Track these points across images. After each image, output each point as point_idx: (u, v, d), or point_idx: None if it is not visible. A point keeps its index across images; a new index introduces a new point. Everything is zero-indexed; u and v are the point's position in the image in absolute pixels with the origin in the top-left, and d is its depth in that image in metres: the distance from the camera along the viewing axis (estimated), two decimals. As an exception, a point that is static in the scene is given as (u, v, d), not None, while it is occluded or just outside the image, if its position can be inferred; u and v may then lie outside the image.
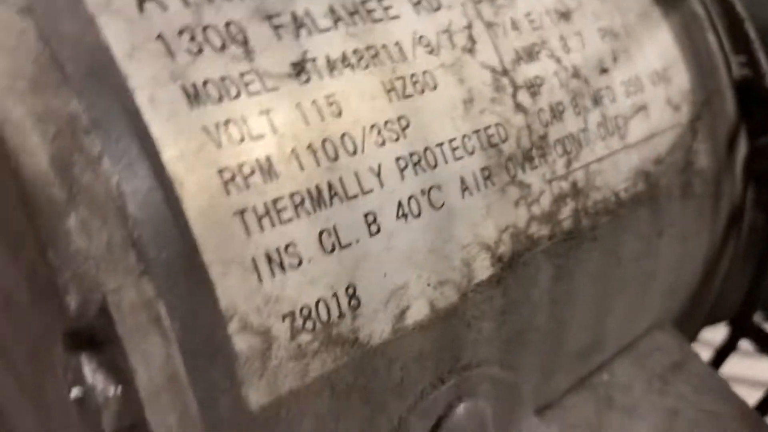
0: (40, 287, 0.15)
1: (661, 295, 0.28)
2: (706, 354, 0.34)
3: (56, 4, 0.16)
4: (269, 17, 0.18)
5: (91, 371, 0.14)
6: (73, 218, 0.14)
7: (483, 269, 0.20)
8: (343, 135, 0.18)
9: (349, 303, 0.17)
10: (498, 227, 0.21)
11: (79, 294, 0.14)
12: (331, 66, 0.19)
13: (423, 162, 0.19)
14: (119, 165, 0.15)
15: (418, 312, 0.19)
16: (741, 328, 0.33)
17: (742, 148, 0.30)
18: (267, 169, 0.17)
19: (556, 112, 0.23)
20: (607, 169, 0.24)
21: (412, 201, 0.19)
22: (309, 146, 0.17)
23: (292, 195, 0.17)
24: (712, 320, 0.34)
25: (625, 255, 0.25)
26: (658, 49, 0.27)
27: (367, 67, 0.19)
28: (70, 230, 0.14)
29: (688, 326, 0.31)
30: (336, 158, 0.18)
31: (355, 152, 0.18)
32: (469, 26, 0.22)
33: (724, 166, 0.29)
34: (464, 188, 0.20)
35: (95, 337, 0.15)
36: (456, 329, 0.20)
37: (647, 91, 0.26)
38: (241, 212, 0.16)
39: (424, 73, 0.20)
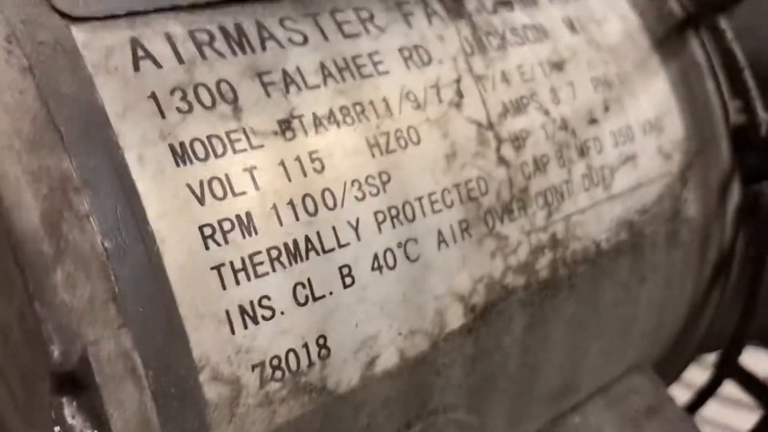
0: (29, 331, 0.16)
1: (641, 338, 0.28)
2: (687, 394, 0.34)
3: (57, 64, 0.17)
4: (260, 75, 0.19)
5: (71, 413, 0.16)
6: (59, 273, 0.15)
7: (455, 319, 0.21)
8: (324, 190, 0.19)
9: (319, 353, 0.18)
10: (473, 278, 0.22)
11: (61, 344, 0.15)
12: (317, 123, 0.19)
13: (401, 215, 0.20)
14: (105, 223, 0.16)
15: (388, 360, 0.20)
16: (726, 369, 0.33)
17: (734, 195, 0.31)
18: (247, 225, 0.18)
19: (540, 165, 0.23)
20: (589, 220, 0.25)
21: (388, 253, 0.20)
22: (289, 202, 0.18)
23: (269, 249, 0.18)
24: (702, 352, 0.35)
25: (603, 302, 0.26)
26: (654, 98, 0.28)
27: (352, 123, 0.20)
28: (56, 284, 0.15)
29: (672, 366, 0.32)
30: (315, 213, 0.19)
31: (334, 207, 0.19)
32: (458, 80, 0.22)
33: (714, 214, 0.29)
34: (441, 240, 0.21)
35: (77, 381, 0.16)
36: (425, 376, 0.21)
37: (637, 140, 0.27)
38: (219, 267, 0.17)
39: (409, 128, 0.21)
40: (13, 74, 0.16)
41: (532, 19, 0.25)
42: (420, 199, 0.21)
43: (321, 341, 0.19)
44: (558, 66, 0.25)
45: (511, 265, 0.22)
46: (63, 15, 0.17)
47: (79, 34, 0.17)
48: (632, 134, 0.26)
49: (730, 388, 0.34)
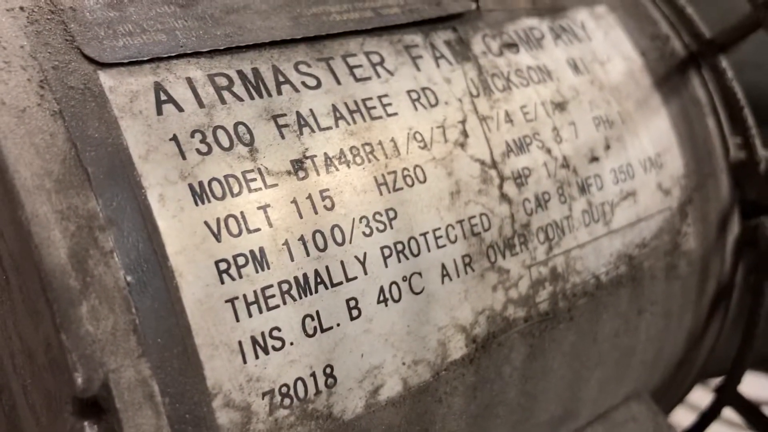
0: (53, 358, 0.17)
1: (640, 368, 0.29)
2: (690, 417, 0.35)
3: (85, 108, 0.18)
4: (275, 117, 0.20)
5: (92, 436, 0.17)
6: (84, 306, 0.16)
7: (457, 349, 0.22)
8: (333, 227, 0.20)
9: (326, 382, 0.20)
10: (475, 310, 0.22)
11: (85, 372, 0.16)
12: (328, 162, 0.21)
13: (407, 250, 0.21)
14: (128, 259, 0.17)
15: (392, 389, 0.21)
16: (725, 397, 0.34)
17: (734, 228, 0.31)
18: (260, 260, 0.19)
19: (542, 201, 0.24)
20: (589, 255, 0.26)
21: (393, 287, 0.21)
22: (300, 238, 0.20)
23: (280, 283, 0.19)
24: (703, 378, 0.36)
25: (602, 333, 0.27)
26: (654, 136, 0.29)
27: (362, 162, 0.21)
28: (82, 317, 0.16)
29: (672, 394, 0.33)
30: (325, 248, 0.20)
31: (343, 242, 0.20)
32: (464, 121, 0.24)
33: (713, 247, 0.30)
34: (444, 274, 0.22)
35: (98, 406, 0.17)
36: (427, 404, 0.22)
37: (638, 177, 0.28)
38: (233, 300, 0.18)
39: (415, 167, 0.22)
40: (44, 118, 0.18)
41: (536, 60, 0.26)
42: (425, 234, 0.22)
43: (328, 370, 0.20)
44: (561, 106, 0.26)
45: (512, 297, 0.23)
46: (91, 61, 0.19)
47: (106, 79, 0.19)
48: (632, 171, 0.27)
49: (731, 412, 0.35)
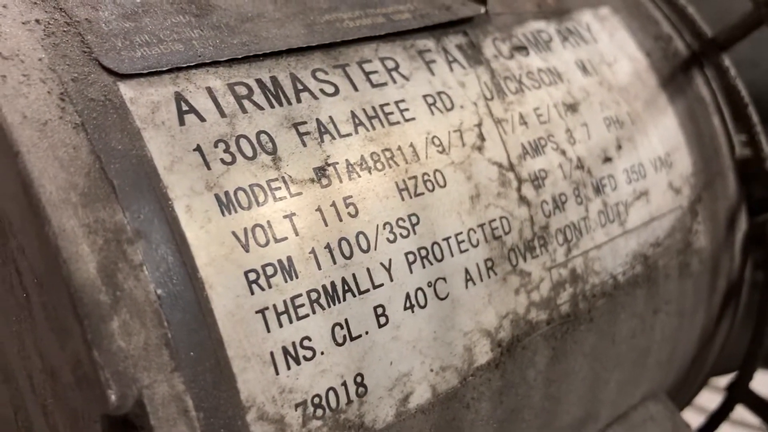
0: (83, 375, 0.17)
1: (656, 367, 0.29)
2: (699, 418, 0.35)
3: (107, 120, 0.18)
4: (296, 125, 0.20)
5: (125, 454, 0.16)
6: (116, 321, 0.16)
7: (483, 354, 0.22)
8: (358, 234, 0.20)
9: (357, 391, 0.19)
10: (499, 314, 0.22)
11: (118, 388, 0.16)
12: (350, 170, 0.20)
13: (430, 256, 0.21)
14: (157, 272, 0.17)
15: (421, 396, 0.21)
16: (737, 394, 0.34)
17: (742, 226, 0.32)
18: (288, 269, 0.19)
19: (559, 203, 0.24)
20: (606, 255, 0.26)
21: (419, 293, 0.21)
22: (326, 246, 0.19)
23: (309, 292, 0.19)
24: (713, 375, 0.36)
25: (620, 333, 0.27)
26: (663, 135, 0.29)
27: (382, 168, 0.21)
28: (113, 332, 0.16)
29: (684, 392, 0.33)
30: (351, 255, 0.20)
31: (368, 249, 0.20)
32: (480, 124, 0.23)
33: (722, 244, 0.30)
34: (468, 279, 0.22)
35: (132, 423, 0.16)
36: (455, 411, 0.22)
37: (649, 177, 0.28)
38: (263, 310, 0.18)
39: (435, 171, 0.22)
40: (67, 131, 0.17)
41: (546, 63, 0.26)
42: (447, 239, 0.22)
43: (358, 379, 0.19)
44: (572, 107, 0.26)
45: (534, 300, 0.23)
46: (111, 72, 0.18)
47: (126, 90, 0.18)
48: (644, 171, 0.27)
49: (742, 411, 0.35)
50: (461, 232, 0.22)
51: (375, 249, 0.20)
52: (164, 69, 0.19)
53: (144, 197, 0.17)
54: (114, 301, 0.16)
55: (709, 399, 0.40)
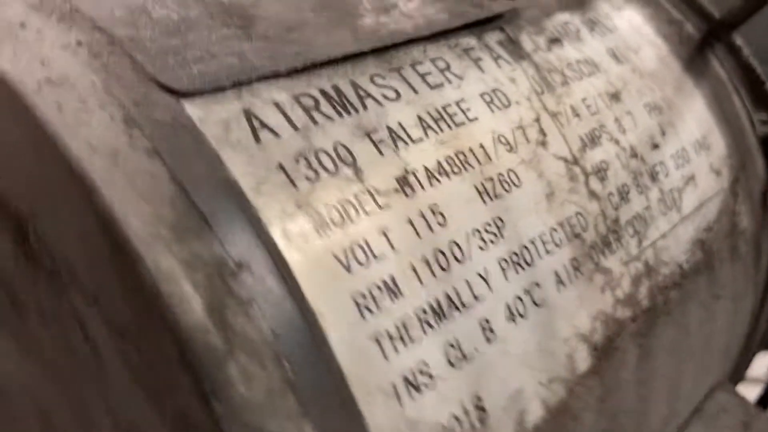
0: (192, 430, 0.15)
1: (719, 355, 0.28)
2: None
3: (180, 143, 0.16)
4: (368, 134, 0.18)
5: None
6: (233, 366, 0.14)
7: (583, 361, 0.21)
8: (450, 243, 0.18)
9: (478, 416, 0.17)
10: (590, 316, 0.21)
11: (245, 443, 0.14)
12: (429, 176, 0.19)
13: (521, 260, 0.20)
14: (267, 306, 0.15)
15: (535, 414, 0.19)
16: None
17: (771, 204, 0.31)
18: (392, 288, 0.17)
19: (623, 194, 0.23)
20: (671, 244, 0.25)
21: (518, 301, 0.19)
22: (424, 260, 0.18)
23: (416, 311, 0.17)
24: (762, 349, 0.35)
25: (692, 323, 0.26)
26: (696, 118, 0.28)
27: (459, 172, 0.19)
28: (232, 379, 0.14)
29: (737, 375, 0.32)
30: (447, 268, 0.18)
31: (462, 259, 0.18)
32: (538, 119, 0.22)
33: (761, 224, 0.30)
34: (558, 281, 0.20)
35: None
36: (566, 425, 0.20)
37: (693, 161, 0.27)
38: (377, 337, 0.16)
39: (508, 171, 0.21)
40: (140, 159, 0.15)
41: (581, 53, 0.26)
42: (533, 241, 0.20)
43: (477, 402, 0.18)
44: (615, 96, 0.25)
45: (619, 298, 0.22)
46: (172, 91, 0.16)
47: (193, 109, 0.16)
48: (688, 155, 0.27)
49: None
50: (544, 233, 0.20)
51: (470, 258, 0.18)
52: (227, 84, 0.17)
53: (238, 224, 0.15)
54: (228, 344, 0.14)
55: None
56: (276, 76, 0.18)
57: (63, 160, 0.15)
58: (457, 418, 0.17)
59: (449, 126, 0.20)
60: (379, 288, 0.17)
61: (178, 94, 0.16)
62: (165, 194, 0.15)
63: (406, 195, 0.18)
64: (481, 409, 0.18)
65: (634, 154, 0.24)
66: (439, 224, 0.18)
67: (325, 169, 0.17)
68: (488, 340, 0.18)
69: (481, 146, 0.20)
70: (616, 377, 0.22)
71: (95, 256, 0.15)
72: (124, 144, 0.15)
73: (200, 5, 0.20)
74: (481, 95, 0.21)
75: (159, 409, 0.15)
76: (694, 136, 0.27)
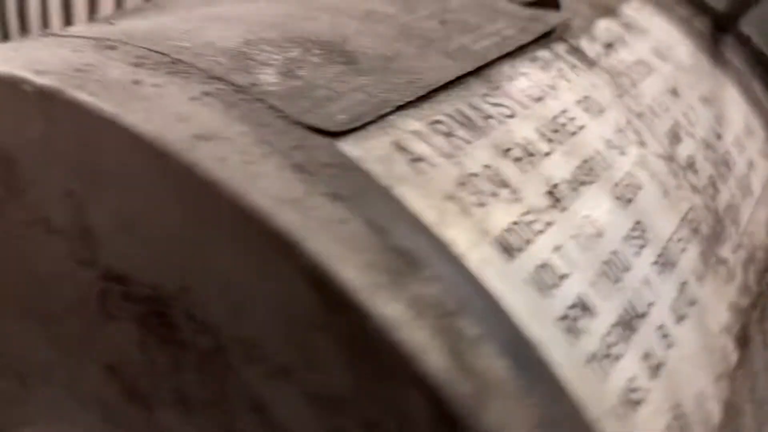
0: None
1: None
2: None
3: (354, 184, 0.14)
4: (505, 152, 0.18)
5: None
6: (490, 413, 0.13)
7: (732, 354, 0.20)
8: (612, 254, 0.18)
9: (682, 423, 0.17)
10: (726, 309, 0.21)
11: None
12: (571, 188, 0.18)
13: (667, 263, 0.19)
14: (496, 343, 0.14)
15: (715, 414, 0.18)
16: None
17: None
18: (586, 307, 0.16)
19: (714, 185, 0.23)
20: (754, 228, 0.25)
21: (677, 303, 0.19)
22: (599, 273, 0.17)
23: (611, 328, 0.16)
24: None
25: (785, 305, 0.26)
26: (736, 107, 0.29)
27: (592, 182, 0.19)
28: (488, 427, 0.13)
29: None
30: (618, 279, 0.17)
31: (626, 268, 0.18)
32: (629, 121, 0.22)
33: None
34: (698, 278, 0.20)
35: None
36: (737, 421, 0.19)
37: (747, 145, 0.27)
38: (591, 360, 0.15)
39: (627, 174, 0.20)
40: (325, 205, 0.14)
41: (633, 55, 0.26)
42: (669, 240, 0.20)
43: (678, 410, 0.17)
44: (674, 92, 0.25)
45: (738, 287, 0.22)
46: (323, 133, 0.15)
47: (350, 148, 0.15)
48: (742, 141, 0.27)
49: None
50: (675, 231, 0.20)
51: (631, 266, 0.18)
52: (371, 119, 0.16)
53: (441, 260, 0.14)
54: (477, 390, 0.13)
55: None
56: (405, 106, 0.17)
57: (246, 217, 0.13)
58: (669, 429, 0.16)
59: (566, 137, 0.20)
60: (575, 308, 0.16)
61: (329, 134, 0.15)
62: (363, 238, 0.14)
63: (560, 210, 0.17)
64: (682, 418, 0.17)
65: (708, 145, 0.25)
66: (597, 236, 0.18)
67: (486, 193, 0.16)
68: (669, 345, 0.17)
69: (599, 152, 0.20)
70: (754, 368, 0.21)
71: (298, 319, 0.13)
72: (303, 192, 0.14)
73: (295, 45, 0.18)
74: (578, 103, 0.21)
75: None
76: (741, 123, 0.28)
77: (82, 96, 0.15)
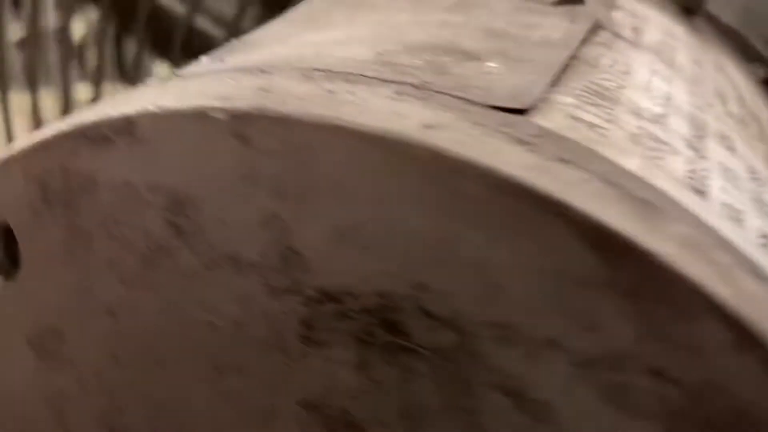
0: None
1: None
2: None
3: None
4: (639, 116, 0.19)
5: None
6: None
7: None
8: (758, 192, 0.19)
9: None
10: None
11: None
12: (698, 140, 0.19)
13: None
14: (744, 269, 0.14)
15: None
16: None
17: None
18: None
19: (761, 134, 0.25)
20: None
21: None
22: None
23: None
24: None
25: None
26: (751, 89, 0.31)
27: (703, 135, 0.20)
28: None
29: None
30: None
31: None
32: (691, 87, 0.24)
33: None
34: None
35: None
36: None
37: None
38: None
39: (718, 129, 0.22)
40: (562, 168, 0.14)
41: (655, 37, 0.28)
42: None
43: None
44: (698, 63, 0.28)
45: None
46: (513, 111, 0.16)
47: (543, 123, 0.16)
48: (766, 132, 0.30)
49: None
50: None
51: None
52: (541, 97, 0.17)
53: (673, 205, 0.15)
54: (760, 310, 0.13)
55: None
56: (553, 84, 0.18)
57: (501, 190, 0.13)
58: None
59: (666, 101, 0.21)
60: (764, 237, 0.17)
61: (519, 112, 0.16)
62: (610, 194, 0.14)
63: (701, 158, 0.19)
64: None
65: (742, 104, 0.27)
66: (735, 178, 0.19)
67: (653, 149, 0.17)
68: None
69: (691, 113, 0.21)
70: None
71: (575, 283, 0.13)
72: (537, 160, 0.14)
73: (419, 51, 0.19)
74: (653, 74, 0.23)
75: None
76: (752, 94, 0.31)
77: (287, 109, 0.14)
